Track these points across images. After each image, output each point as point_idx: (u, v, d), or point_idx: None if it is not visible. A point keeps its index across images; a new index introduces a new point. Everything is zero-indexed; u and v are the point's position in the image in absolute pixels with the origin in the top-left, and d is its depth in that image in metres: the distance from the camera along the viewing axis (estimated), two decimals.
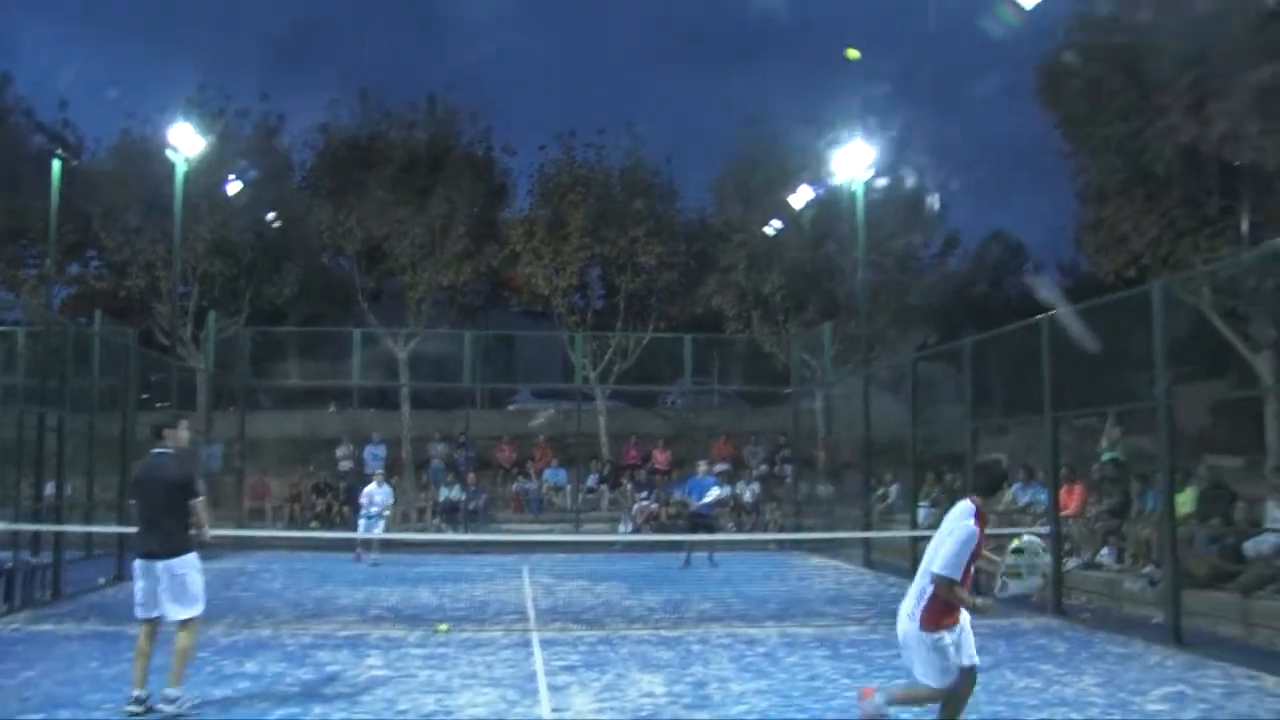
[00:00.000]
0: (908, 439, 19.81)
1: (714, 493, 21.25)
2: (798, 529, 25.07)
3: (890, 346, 29.58)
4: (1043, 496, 16.96)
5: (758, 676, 9.79)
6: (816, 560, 22.59)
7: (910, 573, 18.42)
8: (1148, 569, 14.28)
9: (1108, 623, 13.04)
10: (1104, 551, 15.84)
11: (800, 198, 27.88)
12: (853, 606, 14.92)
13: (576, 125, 37.64)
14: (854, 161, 23.35)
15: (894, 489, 23.56)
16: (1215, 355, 19.32)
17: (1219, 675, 9.85)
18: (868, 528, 21.53)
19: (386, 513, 21.25)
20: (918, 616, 6.36)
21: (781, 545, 24.88)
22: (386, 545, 21.34)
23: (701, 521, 20.96)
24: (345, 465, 27.87)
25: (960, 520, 6.45)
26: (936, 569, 6.32)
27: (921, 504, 20.20)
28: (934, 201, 30.39)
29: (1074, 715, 8.26)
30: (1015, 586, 6.18)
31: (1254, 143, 16.87)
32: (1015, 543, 5.70)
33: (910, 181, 29.09)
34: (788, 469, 28.62)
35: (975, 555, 6.46)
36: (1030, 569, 6.15)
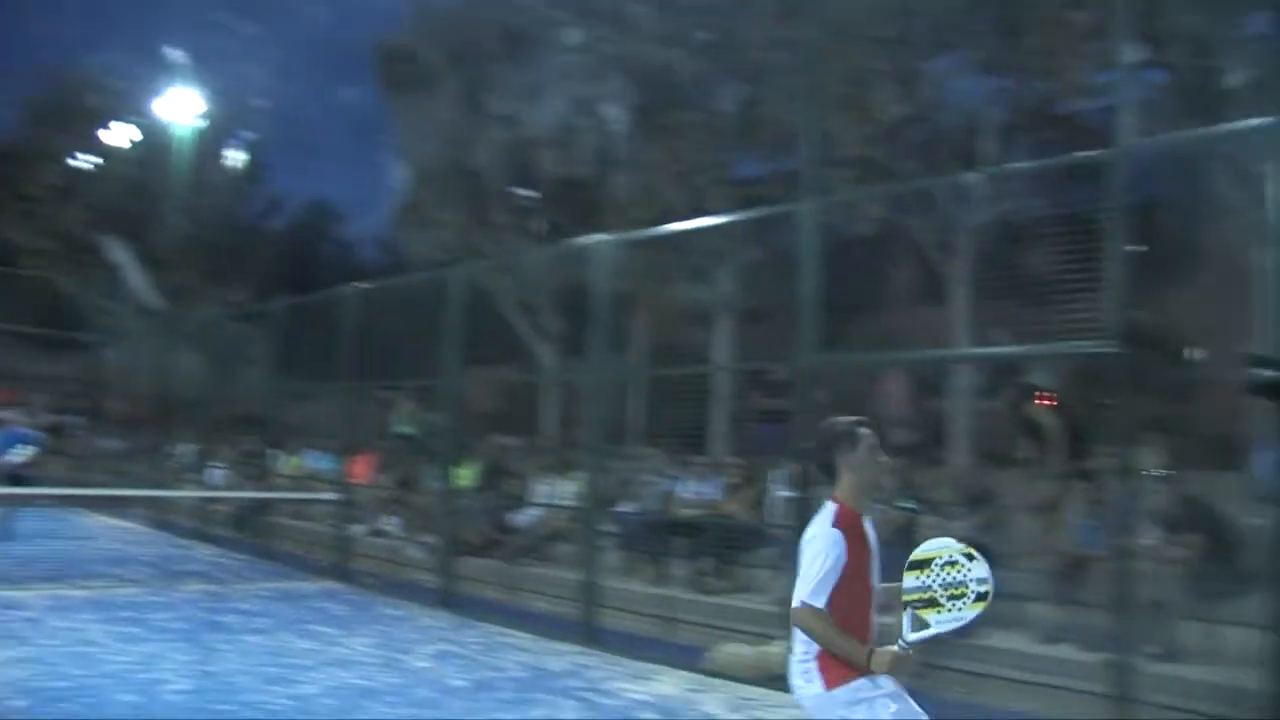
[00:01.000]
0: (208, 398, 19.32)
1: (28, 450, 17.99)
2: (81, 485, 23.38)
3: (201, 301, 28.65)
4: (331, 464, 17.34)
5: (18, 644, 9.01)
6: (101, 519, 21.25)
7: (200, 534, 18.11)
8: (428, 537, 15.13)
9: (390, 588, 13.60)
10: (389, 520, 16.55)
11: (120, 135, 26.18)
12: (134, 568, 14.16)
13: None
14: (181, 107, 22.38)
15: (190, 449, 22.79)
16: (506, 342, 20.89)
17: (479, 634, 10.69)
18: (158, 487, 20.64)
19: None
20: (813, 673, 4.24)
21: (62, 501, 23.05)
22: None
23: (20, 481, 17.07)
24: None
25: (817, 527, 4.34)
26: (795, 598, 4.23)
27: (215, 465, 19.80)
28: (256, 160, 29.88)
29: (344, 675, 8.52)
30: (939, 622, 4.01)
31: (553, 153, 18.58)
32: (915, 554, 3.36)
33: (239, 138, 28.41)
34: (76, 420, 26.62)
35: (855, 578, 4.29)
36: (950, 589, 4.01)
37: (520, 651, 9.95)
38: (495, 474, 15.21)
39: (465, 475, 14.41)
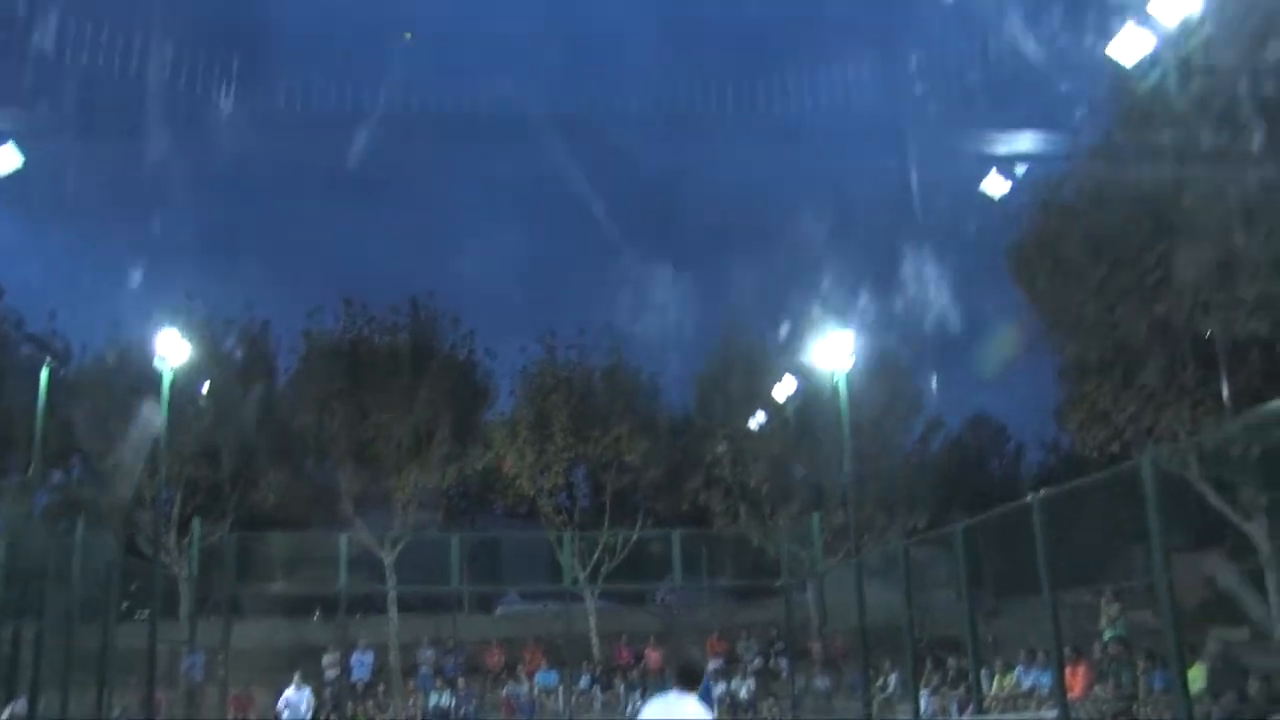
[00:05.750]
0: (904, 626, 19.38)
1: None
2: None
3: (879, 533, 29.34)
4: (1045, 679, 16.61)
5: None
6: None
7: None
8: None
9: None
10: None
11: (782, 390, 28.06)
12: None
13: (557, 325, 37.80)
14: (834, 351, 23.43)
15: (893, 678, 22.89)
16: (1206, 525, 19.20)
17: None
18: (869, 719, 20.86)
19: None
20: None
21: None
22: None
23: None
24: (331, 674, 26.92)
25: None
26: None
27: (922, 691, 19.67)
28: (915, 386, 30.64)
29: None
30: None
31: (1221, 314, 17.23)
32: None
33: (890, 369, 29.40)
34: (783, 663, 27.91)
35: None
36: None
37: None
38: (1230, 673, 13.74)
39: (1195, 678, 13.14)
